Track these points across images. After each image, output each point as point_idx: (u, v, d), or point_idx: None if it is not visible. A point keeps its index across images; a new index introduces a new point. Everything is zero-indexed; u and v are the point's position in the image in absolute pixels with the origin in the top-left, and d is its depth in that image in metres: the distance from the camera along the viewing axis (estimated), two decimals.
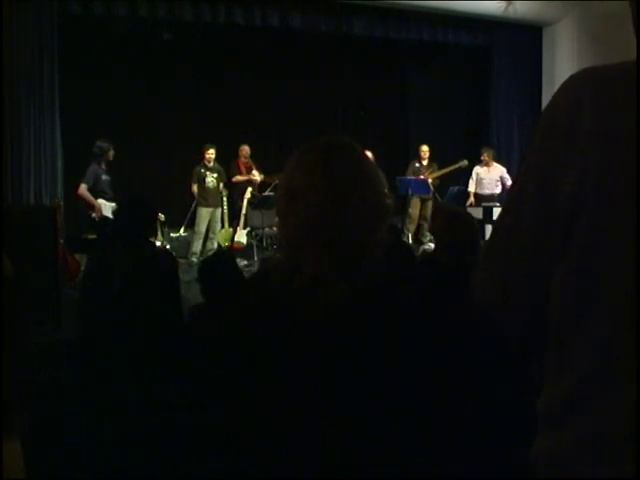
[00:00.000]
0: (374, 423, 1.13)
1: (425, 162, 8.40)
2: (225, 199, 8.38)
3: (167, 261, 2.98)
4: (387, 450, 1.13)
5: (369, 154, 8.18)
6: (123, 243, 2.81)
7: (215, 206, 7.94)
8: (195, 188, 7.89)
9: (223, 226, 8.45)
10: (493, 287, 0.93)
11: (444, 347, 1.26)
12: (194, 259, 7.65)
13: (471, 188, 8.40)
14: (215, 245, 7.98)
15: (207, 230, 7.92)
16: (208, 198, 7.87)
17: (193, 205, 8.05)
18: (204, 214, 7.84)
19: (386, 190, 1.24)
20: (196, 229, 7.85)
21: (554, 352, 0.86)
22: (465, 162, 8.30)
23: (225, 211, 8.38)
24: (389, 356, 1.14)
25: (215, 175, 7.91)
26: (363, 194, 1.16)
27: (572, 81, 0.86)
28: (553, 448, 0.83)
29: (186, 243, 8.07)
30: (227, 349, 1.27)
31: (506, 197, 0.98)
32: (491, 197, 8.24)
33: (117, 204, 6.42)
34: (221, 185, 8.02)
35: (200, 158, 7.93)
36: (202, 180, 7.86)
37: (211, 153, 7.87)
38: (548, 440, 0.85)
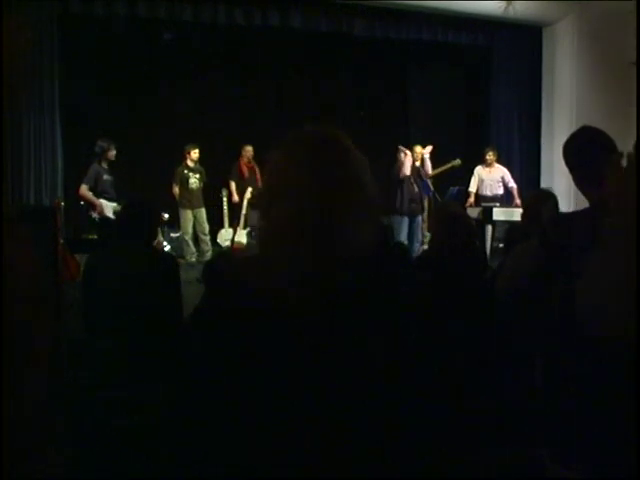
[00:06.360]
0: (351, 430, 1.12)
1: (418, 163, 8.39)
2: (225, 199, 8.38)
3: (168, 263, 2.98)
4: (361, 457, 1.13)
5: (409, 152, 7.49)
6: (124, 245, 2.82)
7: (199, 207, 7.81)
8: (176, 189, 7.74)
9: (223, 226, 8.46)
10: None
11: (430, 350, 1.25)
12: (193, 259, 7.66)
13: (472, 188, 8.38)
14: (209, 245, 7.94)
15: (195, 230, 7.84)
16: (192, 199, 7.74)
17: None
18: (188, 216, 7.73)
19: (375, 188, 1.19)
20: (183, 230, 7.77)
21: None
22: (458, 161, 8.27)
23: (225, 211, 8.38)
24: (359, 363, 1.12)
25: (197, 176, 7.79)
26: (351, 194, 1.12)
27: None
28: None
29: (185, 243, 8.08)
30: (210, 348, 1.25)
31: None
32: (493, 198, 8.22)
33: (120, 207, 6.42)
34: (201, 186, 7.88)
35: (182, 158, 7.82)
36: (185, 181, 7.72)
37: (196, 153, 7.77)
38: None
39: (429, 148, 7.74)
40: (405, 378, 1.15)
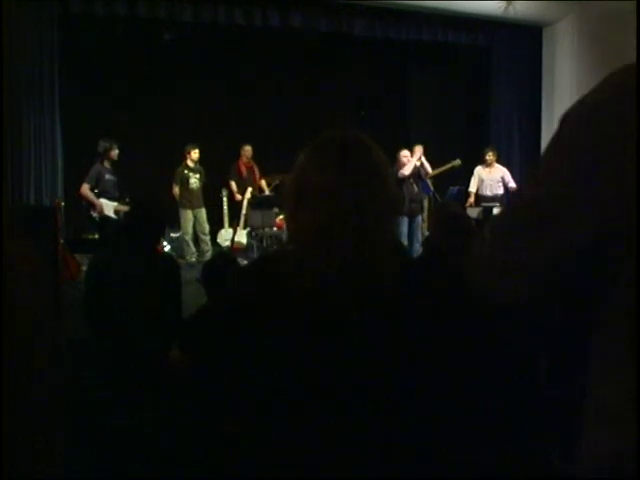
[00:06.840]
0: (373, 429, 1.12)
1: (418, 163, 8.37)
2: (225, 199, 8.38)
3: (170, 265, 2.99)
4: (388, 454, 1.12)
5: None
6: (130, 247, 2.82)
7: (199, 207, 7.83)
8: (177, 190, 7.75)
9: (223, 226, 8.45)
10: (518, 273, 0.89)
11: (447, 349, 1.25)
12: (193, 259, 7.66)
13: (472, 188, 8.37)
14: (209, 245, 7.95)
15: (195, 230, 7.86)
16: (192, 199, 7.76)
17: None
18: (189, 216, 7.75)
19: (397, 187, 1.22)
20: (183, 231, 7.78)
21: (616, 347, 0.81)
22: (458, 161, 8.25)
23: (225, 211, 8.38)
24: (387, 358, 1.13)
25: (197, 176, 7.80)
26: (378, 196, 1.16)
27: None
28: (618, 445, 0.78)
29: (185, 243, 8.08)
30: (232, 342, 1.25)
31: None
32: (493, 198, 8.20)
33: (121, 205, 6.44)
34: (201, 185, 7.89)
35: (182, 158, 7.82)
36: (186, 181, 7.73)
37: (196, 153, 7.77)
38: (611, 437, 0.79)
39: (419, 148, 7.70)
40: (406, 378, 1.15)
